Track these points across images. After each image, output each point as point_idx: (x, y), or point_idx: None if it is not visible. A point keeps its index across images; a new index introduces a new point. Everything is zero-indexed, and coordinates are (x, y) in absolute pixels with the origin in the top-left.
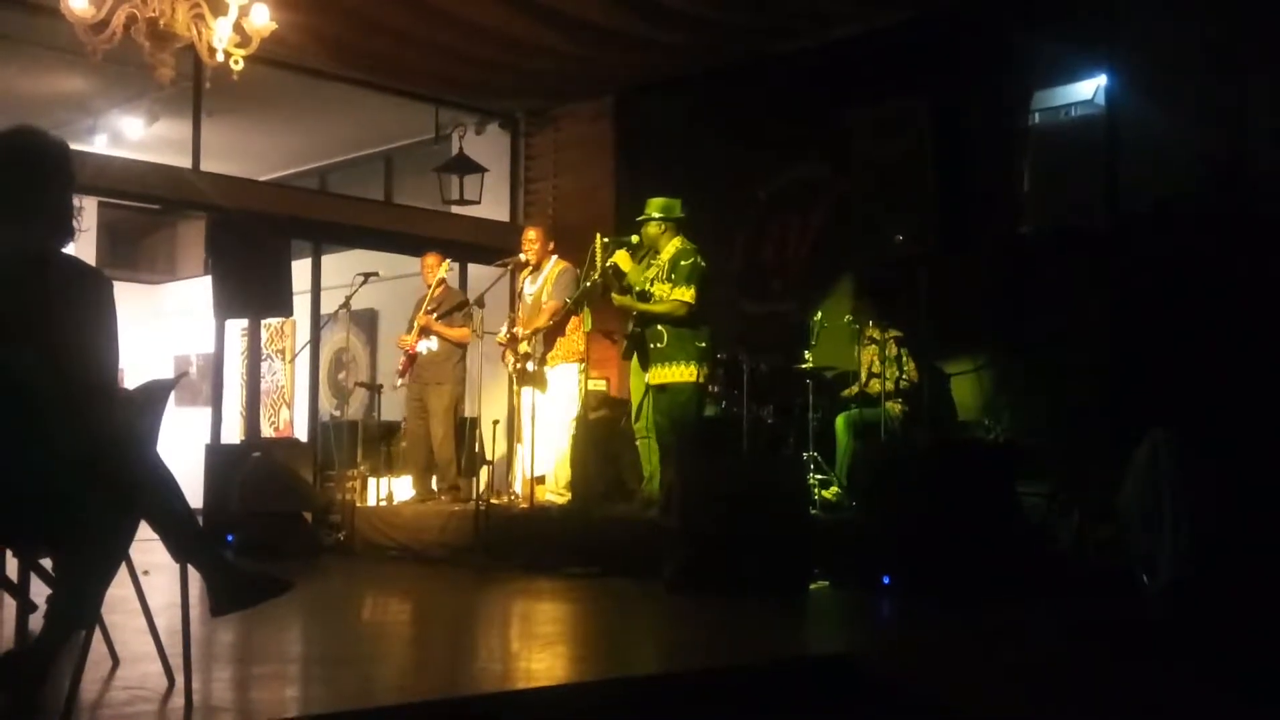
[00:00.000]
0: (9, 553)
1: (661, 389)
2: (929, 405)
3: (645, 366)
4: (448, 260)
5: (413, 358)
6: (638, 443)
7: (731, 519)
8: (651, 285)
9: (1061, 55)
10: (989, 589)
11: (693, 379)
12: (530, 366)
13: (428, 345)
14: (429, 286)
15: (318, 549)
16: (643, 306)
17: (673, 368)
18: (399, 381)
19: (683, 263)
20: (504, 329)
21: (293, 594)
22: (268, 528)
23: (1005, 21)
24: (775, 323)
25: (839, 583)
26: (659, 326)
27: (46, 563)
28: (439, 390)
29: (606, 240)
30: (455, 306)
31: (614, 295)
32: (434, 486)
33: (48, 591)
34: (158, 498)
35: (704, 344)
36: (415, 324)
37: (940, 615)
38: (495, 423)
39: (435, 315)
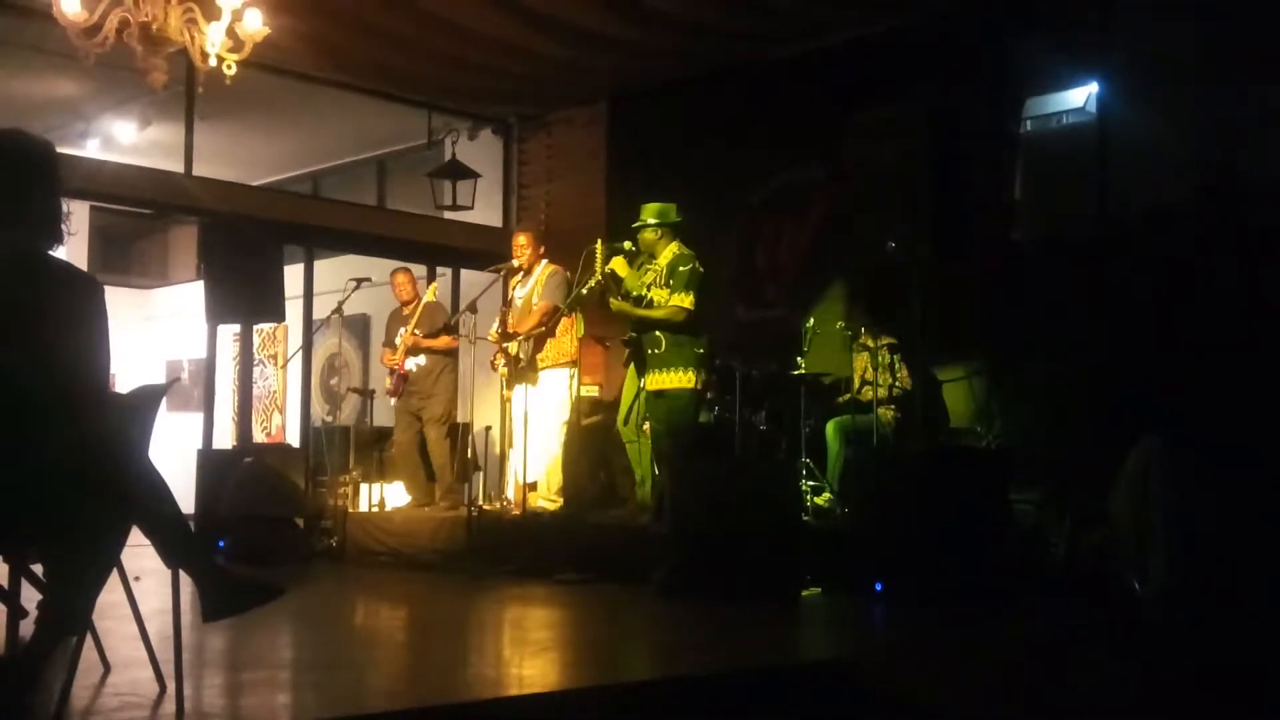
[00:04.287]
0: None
1: (659, 395)
2: (921, 412)
3: (641, 372)
4: (435, 284)
5: (404, 376)
6: (626, 445)
7: (723, 525)
8: (649, 291)
9: (1053, 62)
10: (981, 595)
11: (690, 385)
12: (520, 366)
13: (416, 362)
14: (401, 302)
15: (309, 554)
16: (641, 312)
17: (670, 374)
18: (392, 401)
19: (681, 268)
20: (495, 324)
21: (284, 599)
22: (259, 533)
23: (998, 27)
24: (768, 328)
25: (831, 589)
26: (657, 332)
27: (37, 568)
28: (431, 401)
29: (601, 245)
30: (442, 328)
31: (612, 301)
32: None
33: (38, 597)
34: (149, 503)
35: (702, 350)
36: (401, 344)
37: (933, 621)
38: (487, 429)
39: (421, 334)
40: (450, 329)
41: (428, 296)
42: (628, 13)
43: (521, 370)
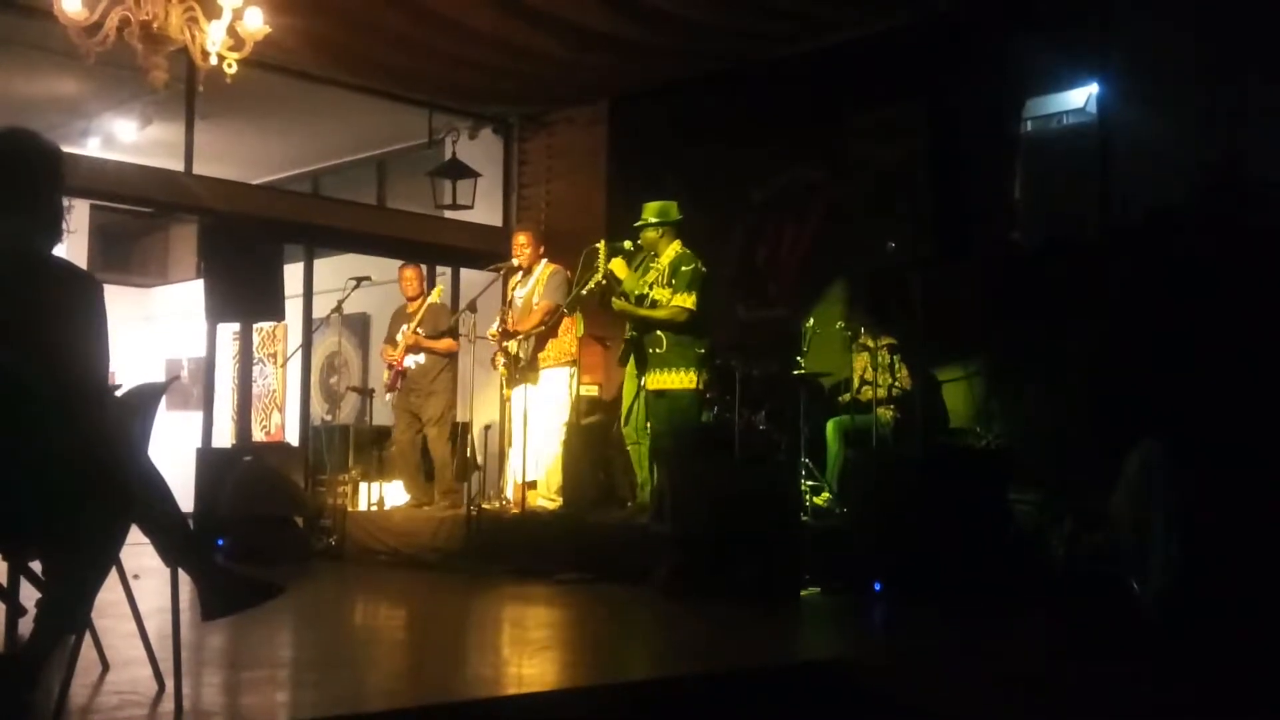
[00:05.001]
0: None
1: (660, 395)
2: (921, 412)
3: (642, 372)
4: (440, 287)
5: (402, 373)
6: (628, 448)
7: (723, 524)
8: (651, 290)
9: (1054, 63)
10: (980, 595)
11: (692, 386)
12: (520, 366)
13: (416, 360)
14: (407, 299)
15: (308, 553)
16: (643, 313)
17: (672, 374)
18: (388, 396)
19: (684, 268)
20: (495, 324)
21: (283, 598)
22: (259, 532)
23: (999, 28)
24: (768, 328)
25: (830, 589)
26: (658, 332)
27: (36, 566)
28: (431, 399)
29: (600, 245)
30: (445, 331)
31: (614, 301)
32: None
33: (37, 595)
34: (149, 501)
35: (703, 350)
36: (401, 341)
37: (932, 622)
38: (486, 427)
39: (423, 333)
40: (452, 332)
41: (432, 298)
42: (628, 12)
43: (523, 370)
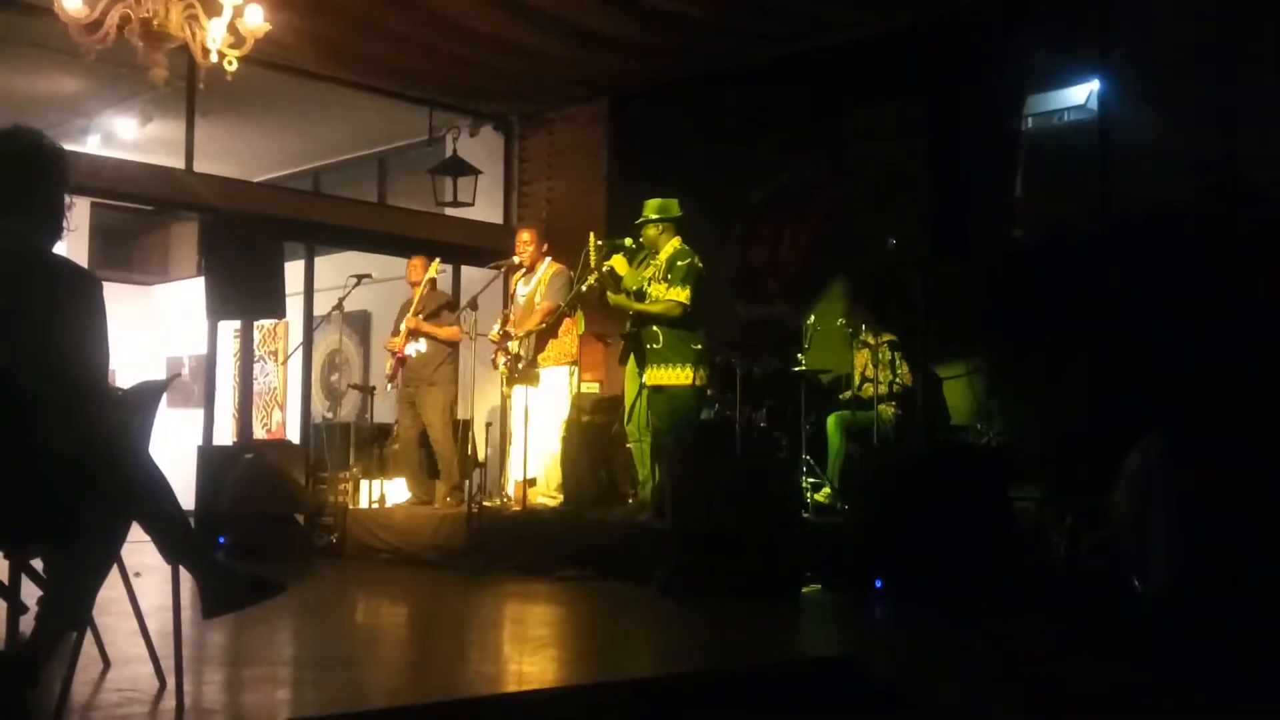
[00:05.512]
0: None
1: (658, 390)
2: (922, 409)
3: (641, 367)
4: (437, 260)
5: (402, 360)
6: (630, 445)
7: (724, 522)
8: (648, 285)
9: (1054, 60)
10: (981, 592)
11: (689, 382)
12: (521, 365)
13: (416, 348)
14: (413, 285)
15: (309, 551)
16: (638, 306)
17: (669, 370)
18: (389, 386)
19: (679, 263)
20: (497, 326)
21: (284, 596)
22: (259, 529)
23: (999, 26)
24: (769, 326)
25: (831, 586)
26: (654, 327)
27: (37, 564)
28: (431, 391)
29: (600, 242)
30: (442, 306)
31: (609, 295)
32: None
33: (39, 593)
34: (150, 499)
35: (699, 346)
36: (403, 327)
37: (932, 619)
38: (488, 425)
39: (422, 316)
40: (452, 308)
41: (430, 273)
42: (628, 12)
43: (523, 370)
